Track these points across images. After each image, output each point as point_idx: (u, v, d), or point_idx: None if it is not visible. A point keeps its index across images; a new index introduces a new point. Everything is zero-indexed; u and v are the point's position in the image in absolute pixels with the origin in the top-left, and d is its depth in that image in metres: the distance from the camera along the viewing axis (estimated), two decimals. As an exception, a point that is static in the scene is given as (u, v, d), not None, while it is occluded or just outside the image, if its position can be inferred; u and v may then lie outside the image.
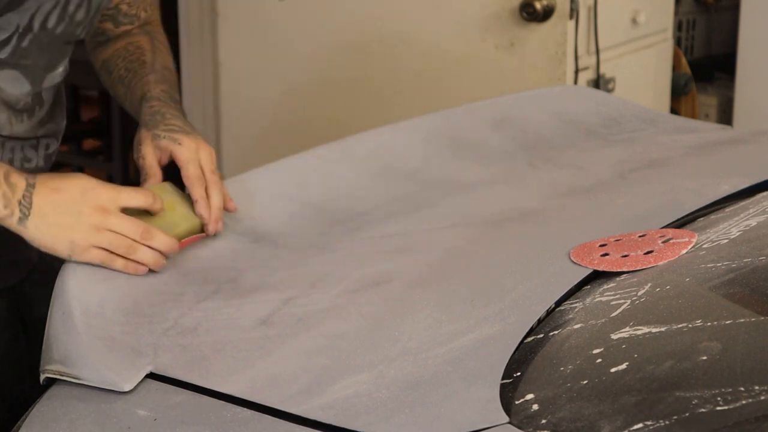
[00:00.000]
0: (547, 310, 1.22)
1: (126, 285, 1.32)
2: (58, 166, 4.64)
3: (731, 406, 0.95)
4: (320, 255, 1.41)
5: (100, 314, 1.24)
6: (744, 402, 0.95)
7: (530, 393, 1.05)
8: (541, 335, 1.16)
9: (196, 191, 1.41)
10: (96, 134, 4.29)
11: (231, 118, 3.12)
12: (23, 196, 1.27)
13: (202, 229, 1.41)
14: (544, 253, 1.35)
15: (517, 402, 1.04)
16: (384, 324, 1.22)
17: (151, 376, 1.16)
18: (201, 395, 1.12)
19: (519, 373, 1.09)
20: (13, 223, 1.27)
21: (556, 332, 1.15)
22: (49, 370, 1.18)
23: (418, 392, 1.07)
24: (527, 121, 1.81)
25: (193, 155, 1.43)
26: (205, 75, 3.15)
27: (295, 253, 1.42)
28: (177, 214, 1.40)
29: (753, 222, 1.34)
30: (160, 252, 1.32)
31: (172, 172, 1.46)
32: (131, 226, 1.30)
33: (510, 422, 1.00)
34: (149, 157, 1.44)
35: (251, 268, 1.37)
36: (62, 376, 1.16)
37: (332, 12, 2.88)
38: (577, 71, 2.65)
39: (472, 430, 1.00)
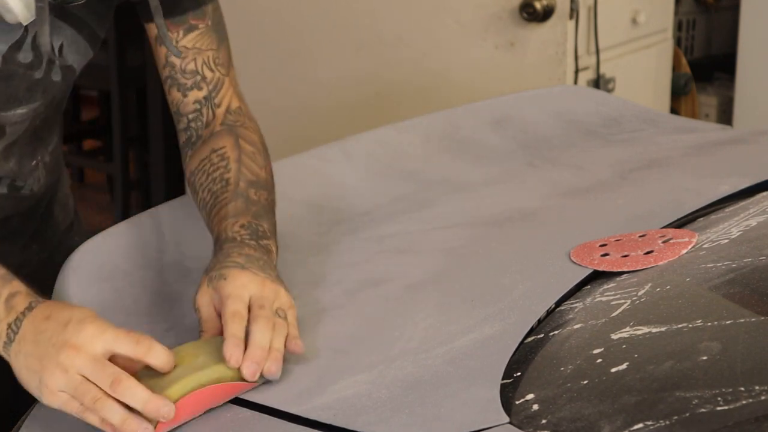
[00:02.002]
0: (547, 310, 1.22)
1: (126, 285, 1.32)
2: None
3: (731, 406, 0.95)
4: (320, 255, 1.41)
5: (100, 314, 1.23)
6: (744, 402, 0.95)
7: (530, 393, 1.05)
8: (541, 335, 1.16)
9: (228, 328, 1.12)
10: (96, 134, 4.29)
11: (231, 118, 3.12)
12: (15, 320, 1.10)
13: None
14: (544, 253, 1.35)
15: (517, 402, 1.04)
16: (384, 324, 1.22)
17: (151, 376, 1.15)
18: (201, 395, 1.12)
19: (519, 373, 1.09)
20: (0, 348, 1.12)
21: (556, 332, 1.15)
22: (49, 370, 1.17)
23: (418, 392, 1.07)
24: (527, 121, 1.81)
25: (235, 290, 1.15)
26: (205, 75, 3.15)
27: (295, 253, 1.42)
28: (194, 365, 1.09)
29: (753, 222, 1.34)
30: (140, 411, 1.05)
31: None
32: (100, 372, 1.05)
33: (510, 422, 1.00)
34: (203, 309, 1.18)
35: (251, 268, 1.37)
36: (62, 376, 1.16)
37: (332, 12, 2.88)
38: (577, 71, 2.65)
39: (472, 430, 1.00)
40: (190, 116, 1.40)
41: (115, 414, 1.04)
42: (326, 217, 1.51)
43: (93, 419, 1.06)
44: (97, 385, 1.05)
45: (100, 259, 1.35)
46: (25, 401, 1.17)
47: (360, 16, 2.84)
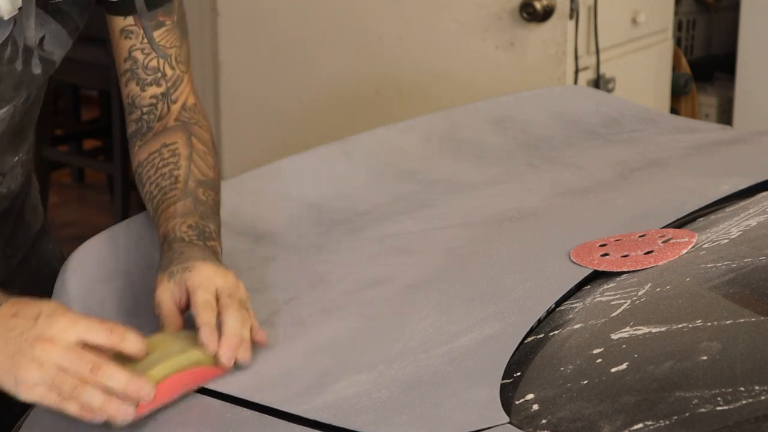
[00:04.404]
0: (547, 310, 1.22)
1: (126, 285, 1.32)
2: (57, 166, 4.60)
3: (731, 406, 0.95)
4: (320, 255, 1.41)
5: (100, 314, 1.24)
6: (744, 402, 0.95)
7: (530, 393, 1.05)
8: (541, 335, 1.16)
9: (201, 317, 1.16)
10: (96, 134, 4.29)
11: (231, 118, 3.12)
12: None
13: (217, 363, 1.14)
14: (544, 253, 1.35)
15: (517, 402, 1.04)
16: (384, 324, 1.22)
17: (151, 376, 1.16)
18: (201, 395, 1.12)
19: (519, 373, 1.09)
20: None
21: (556, 332, 1.15)
22: (49, 370, 1.17)
23: (418, 392, 1.07)
24: (527, 121, 1.81)
25: (204, 281, 1.19)
26: (205, 75, 3.15)
27: (295, 253, 1.42)
28: (169, 351, 1.13)
29: (753, 222, 1.34)
30: (121, 394, 1.07)
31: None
32: (78, 360, 1.07)
33: (510, 422, 1.00)
34: (165, 304, 1.20)
35: (251, 268, 1.37)
36: (62, 376, 1.16)
37: (332, 11, 2.88)
38: (577, 71, 2.65)
39: (472, 430, 1.00)
40: (145, 109, 1.41)
41: (96, 397, 1.06)
42: (326, 217, 1.51)
43: (72, 408, 1.07)
44: (75, 374, 1.07)
45: (100, 259, 1.35)
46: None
47: (360, 16, 2.84)
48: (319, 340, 1.20)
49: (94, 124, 4.37)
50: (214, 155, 1.40)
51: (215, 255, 1.27)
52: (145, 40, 1.37)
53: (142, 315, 1.26)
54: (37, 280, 1.48)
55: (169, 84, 1.41)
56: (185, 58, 1.42)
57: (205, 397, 1.12)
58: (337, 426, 1.04)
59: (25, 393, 1.08)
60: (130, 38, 1.38)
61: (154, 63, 1.39)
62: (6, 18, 1.22)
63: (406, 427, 1.03)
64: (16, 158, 1.41)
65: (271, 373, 1.15)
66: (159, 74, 1.39)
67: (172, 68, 1.40)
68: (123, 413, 1.07)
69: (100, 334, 1.09)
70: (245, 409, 1.09)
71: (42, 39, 1.31)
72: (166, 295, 1.20)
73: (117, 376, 1.07)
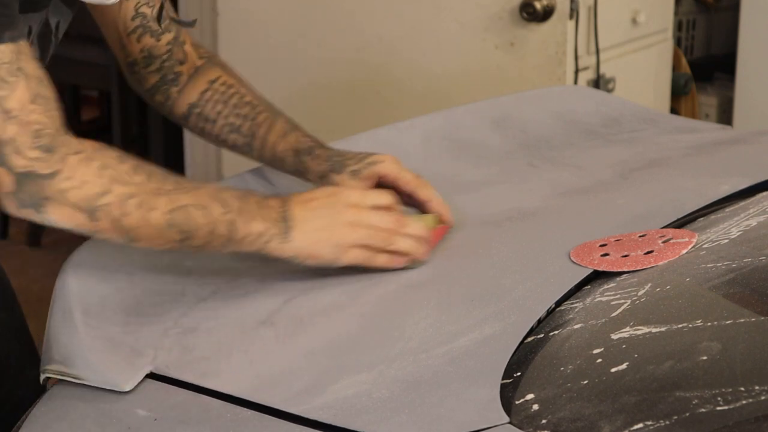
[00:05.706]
0: (547, 310, 1.22)
1: (127, 285, 1.32)
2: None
3: (731, 406, 0.95)
4: (320, 255, 1.40)
5: (100, 314, 1.24)
6: (744, 402, 0.95)
7: (530, 393, 1.05)
8: (541, 335, 1.16)
9: (425, 191, 1.43)
10: (96, 134, 4.28)
11: (231, 118, 3.12)
12: (281, 214, 1.27)
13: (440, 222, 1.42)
14: (544, 253, 1.35)
15: (517, 402, 1.04)
16: (384, 324, 1.22)
17: (151, 376, 1.16)
18: (201, 395, 1.12)
19: (519, 373, 1.09)
20: (276, 244, 1.26)
21: (556, 332, 1.15)
22: (49, 370, 1.18)
23: (418, 392, 1.07)
24: (527, 121, 1.81)
25: (398, 165, 1.44)
26: (205, 75, 3.15)
27: (295, 253, 1.42)
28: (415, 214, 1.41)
29: (753, 222, 1.34)
30: (417, 239, 1.31)
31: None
32: (387, 216, 1.30)
33: (510, 422, 1.00)
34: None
35: (251, 268, 1.37)
36: (62, 376, 1.16)
37: (332, 12, 2.88)
38: (577, 71, 2.65)
39: (472, 430, 1.00)
40: (164, 57, 1.48)
41: (409, 244, 1.31)
42: (326, 217, 1.51)
43: (381, 260, 1.30)
44: (385, 229, 1.29)
45: (101, 259, 1.35)
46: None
47: (360, 16, 2.84)
48: (319, 340, 1.20)
49: (94, 124, 4.36)
50: None
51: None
52: None
53: (142, 315, 1.26)
54: None
55: (176, 28, 1.49)
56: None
57: (205, 397, 1.12)
58: (337, 426, 1.04)
59: (344, 256, 1.28)
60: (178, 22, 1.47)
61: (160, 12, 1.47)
62: None
63: (406, 427, 1.03)
64: None
65: (271, 373, 1.15)
66: (167, 21, 1.48)
67: (175, 15, 1.50)
68: (425, 254, 1.32)
69: (386, 197, 1.33)
70: (245, 409, 1.09)
71: (57, 25, 1.35)
72: (361, 188, 1.41)
73: (415, 226, 1.32)
